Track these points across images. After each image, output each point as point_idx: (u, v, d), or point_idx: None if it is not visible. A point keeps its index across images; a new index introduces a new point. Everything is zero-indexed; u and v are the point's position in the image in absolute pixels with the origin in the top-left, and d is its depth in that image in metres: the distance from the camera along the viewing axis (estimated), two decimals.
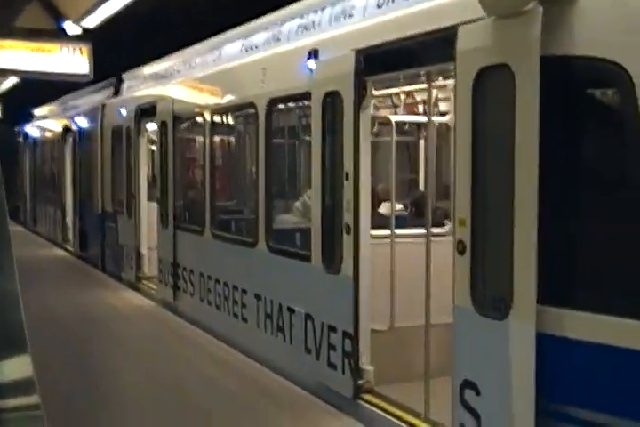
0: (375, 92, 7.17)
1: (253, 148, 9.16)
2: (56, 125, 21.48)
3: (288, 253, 8.41)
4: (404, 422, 6.35)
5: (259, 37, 9.68)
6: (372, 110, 7.15)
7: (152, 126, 13.36)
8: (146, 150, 13.98)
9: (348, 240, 6.91)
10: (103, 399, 7.55)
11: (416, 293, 6.55)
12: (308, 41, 8.02)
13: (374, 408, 6.70)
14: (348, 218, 6.91)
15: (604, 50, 4.70)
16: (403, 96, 8.42)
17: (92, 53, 14.41)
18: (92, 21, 14.67)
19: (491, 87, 5.32)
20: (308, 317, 7.64)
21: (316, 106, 7.48)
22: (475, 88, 5.35)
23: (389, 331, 7.29)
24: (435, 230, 6.80)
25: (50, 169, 23.19)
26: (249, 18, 10.12)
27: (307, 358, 7.62)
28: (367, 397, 6.85)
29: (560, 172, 4.99)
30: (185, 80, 11.72)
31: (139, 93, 14.30)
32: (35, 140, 25.46)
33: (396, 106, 8.51)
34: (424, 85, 7.07)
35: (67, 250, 19.49)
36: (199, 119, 10.95)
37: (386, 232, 7.37)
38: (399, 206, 8.37)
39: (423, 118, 7.83)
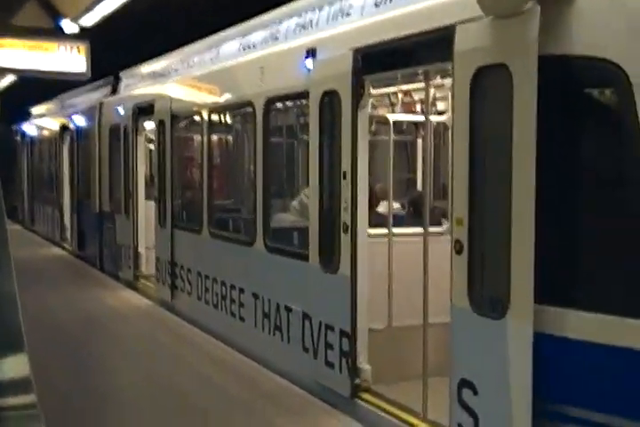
0: (373, 91, 7.15)
1: (251, 147, 9.16)
2: (54, 124, 21.47)
3: (285, 252, 8.41)
4: (402, 421, 6.35)
5: (256, 36, 9.68)
6: (369, 109, 7.14)
7: (150, 125, 13.36)
8: (143, 149, 13.98)
9: (345, 239, 6.91)
10: (100, 399, 7.54)
11: (414, 292, 6.55)
12: (305, 40, 8.01)
13: (372, 407, 6.71)
14: (345, 217, 6.90)
15: (602, 50, 4.71)
16: (400, 95, 8.41)
17: (90, 52, 14.39)
18: (90, 20, 14.68)
19: (488, 87, 5.32)
20: (305, 316, 7.64)
21: (313, 105, 7.48)
22: (472, 87, 5.34)
23: (387, 330, 7.28)
24: (432, 230, 6.80)
25: (48, 168, 23.18)
26: (248, 16, 10.11)
27: (304, 357, 7.62)
28: (365, 396, 6.85)
29: (557, 171, 4.99)
30: (183, 79, 11.71)
31: (136, 92, 14.29)
32: (32, 139, 25.45)
33: (393, 105, 8.50)
34: (422, 84, 7.07)
35: (65, 249, 19.48)
36: (197, 118, 10.95)
37: (383, 231, 7.37)
38: (397, 206, 8.37)
39: (421, 118, 7.82)
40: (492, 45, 5.21)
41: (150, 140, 14.02)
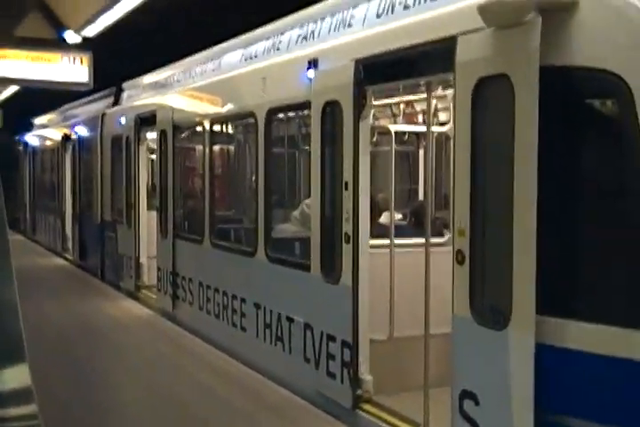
0: (375, 102, 7.17)
1: (253, 157, 9.17)
2: (56, 134, 21.51)
3: (287, 262, 8.40)
4: None
5: (258, 47, 9.70)
6: (371, 120, 7.15)
7: (152, 135, 13.38)
8: (145, 159, 14.00)
9: (347, 250, 6.91)
10: (101, 409, 7.52)
11: (415, 302, 6.55)
12: (307, 50, 8.03)
13: (373, 418, 6.69)
14: (347, 228, 6.90)
15: (603, 61, 4.71)
16: (402, 106, 8.42)
17: (93, 62, 14.41)
18: (93, 31, 14.70)
19: (490, 97, 5.32)
20: (307, 326, 7.63)
21: (315, 115, 7.49)
22: (474, 98, 5.35)
23: (389, 341, 7.27)
24: (434, 240, 6.80)
25: (50, 178, 23.20)
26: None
27: (306, 368, 7.60)
28: (366, 407, 6.84)
29: (559, 182, 4.99)
30: (185, 89, 11.73)
31: (138, 102, 14.32)
32: (34, 149, 25.49)
33: (395, 116, 8.52)
34: (424, 95, 7.08)
35: (66, 259, 19.48)
36: (199, 128, 10.96)
37: (385, 242, 7.37)
38: (399, 216, 8.37)
39: (423, 128, 7.83)
40: (494, 56, 5.22)
41: (152, 151, 14.05)
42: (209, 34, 11.89)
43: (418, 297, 6.46)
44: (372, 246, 7.06)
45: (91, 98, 18.86)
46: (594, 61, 4.77)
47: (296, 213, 9.29)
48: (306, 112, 8.08)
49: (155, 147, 13.19)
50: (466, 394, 5.35)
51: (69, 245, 19.88)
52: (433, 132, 7.38)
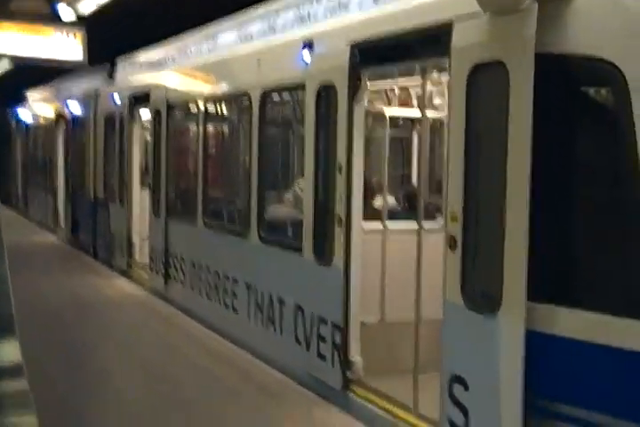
0: (370, 87, 7.15)
1: (247, 138, 9.17)
2: (49, 110, 21.41)
3: (279, 243, 8.42)
4: (392, 414, 6.38)
5: (254, 27, 9.66)
6: (366, 104, 7.15)
7: (146, 114, 13.33)
8: (139, 138, 13.96)
9: (339, 232, 6.93)
10: (91, 386, 7.55)
11: (407, 287, 6.56)
12: (303, 32, 8.01)
13: (362, 400, 6.73)
14: (340, 210, 6.92)
15: (598, 49, 4.71)
16: (397, 91, 8.41)
17: (87, 40, 14.34)
18: (87, 6, 14.61)
19: (485, 84, 5.32)
20: (298, 308, 7.66)
21: (310, 97, 7.48)
22: (469, 84, 5.35)
23: (379, 324, 7.30)
24: (426, 225, 6.80)
25: (42, 154, 23.12)
26: (247, 3, 10.07)
27: (297, 349, 7.64)
28: (356, 388, 6.88)
29: (552, 169, 5.00)
30: (180, 68, 11.69)
31: (133, 80, 14.25)
32: (27, 124, 25.37)
33: (390, 100, 8.50)
34: (419, 80, 7.06)
35: (58, 236, 19.45)
36: (193, 108, 10.94)
37: (378, 226, 7.38)
38: (392, 200, 8.38)
39: (417, 113, 7.83)
40: (490, 42, 5.21)
41: (146, 129, 14.00)
42: (204, 13, 11.81)
43: (409, 282, 6.48)
44: (365, 231, 7.07)
45: (84, 73, 18.72)
46: (589, 50, 4.77)
47: (289, 194, 9.30)
48: (300, 94, 8.07)
49: (148, 125, 13.16)
50: (455, 379, 5.38)
51: (62, 222, 19.84)
52: (427, 118, 7.37)
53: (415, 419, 6.20)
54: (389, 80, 8.10)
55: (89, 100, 16.57)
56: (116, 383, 7.78)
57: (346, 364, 6.88)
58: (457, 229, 5.40)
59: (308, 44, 7.56)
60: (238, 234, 9.27)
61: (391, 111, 8.05)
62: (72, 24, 14.71)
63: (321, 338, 7.20)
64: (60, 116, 19.84)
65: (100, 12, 14.66)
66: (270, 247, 8.50)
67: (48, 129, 21.65)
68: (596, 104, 5.18)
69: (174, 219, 11.53)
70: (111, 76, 16.57)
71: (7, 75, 23.59)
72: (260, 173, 8.75)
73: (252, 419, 6.70)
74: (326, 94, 7.21)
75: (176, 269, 11.33)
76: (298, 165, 9.34)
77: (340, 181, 6.91)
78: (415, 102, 8.42)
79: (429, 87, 7.14)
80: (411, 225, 6.83)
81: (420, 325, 6.43)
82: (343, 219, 6.87)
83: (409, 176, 9.35)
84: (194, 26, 12.02)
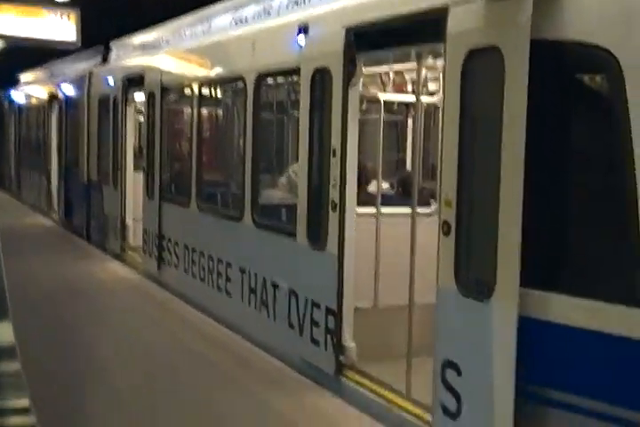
0: (365, 71, 7.13)
1: (241, 121, 9.14)
2: (42, 92, 21.32)
3: (273, 228, 8.42)
4: (385, 399, 6.40)
5: (249, 10, 9.62)
6: (361, 88, 7.13)
7: (140, 96, 13.29)
8: (133, 121, 13.92)
9: (333, 217, 6.92)
10: (82, 371, 7.55)
11: (401, 272, 6.57)
12: (298, 16, 7.97)
13: (356, 385, 6.75)
14: (334, 195, 6.91)
15: (593, 35, 4.70)
16: (392, 75, 8.38)
17: (81, 21, 14.27)
18: None
19: (480, 69, 5.31)
20: (292, 292, 7.66)
21: (304, 81, 7.46)
22: (464, 69, 5.34)
23: (373, 309, 7.32)
24: (420, 210, 6.81)
25: (36, 135, 23.04)
26: None
27: (290, 334, 7.65)
28: (349, 373, 6.90)
29: (546, 155, 5.00)
30: (174, 51, 11.64)
31: (127, 63, 14.20)
32: (20, 106, 25.28)
33: (385, 85, 8.48)
34: (414, 65, 7.05)
35: (52, 219, 19.41)
36: (187, 91, 10.90)
37: (372, 211, 7.38)
38: (386, 185, 8.38)
39: (412, 98, 7.81)
40: (485, 27, 5.20)
41: (140, 112, 13.96)
42: None
43: (403, 267, 6.49)
44: (359, 215, 7.07)
45: (78, 55, 18.65)
46: (585, 36, 4.76)
47: (283, 179, 9.29)
48: (295, 78, 8.04)
49: (142, 108, 13.11)
50: (448, 364, 5.40)
51: (55, 204, 19.81)
52: (422, 102, 7.36)
53: (408, 404, 6.22)
54: (384, 65, 8.08)
55: (82, 83, 16.49)
56: (109, 368, 7.78)
57: (339, 349, 6.90)
58: (451, 215, 5.40)
59: (303, 28, 7.52)
60: (232, 218, 9.26)
61: (386, 96, 8.03)
62: (66, 5, 14.62)
63: (314, 323, 7.21)
64: (53, 98, 19.76)
65: None
66: (264, 232, 8.49)
67: (41, 111, 21.56)
68: (591, 91, 5.18)
69: (168, 202, 11.51)
70: (105, 58, 16.52)
71: (1, 54, 23.45)
72: (255, 156, 8.72)
73: (246, 404, 6.71)
74: (321, 78, 7.18)
75: (169, 253, 11.33)
76: (292, 149, 9.33)
77: (335, 165, 6.90)
78: (410, 87, 8.40)
79: (424, 72, 7.12)
80: (405, 211, 6.83)
81: (414, 309, 6.44)
82: (337, 203, 6.87)
83: (403, 161, 9.34)
84: (189, 8, 11.98)
